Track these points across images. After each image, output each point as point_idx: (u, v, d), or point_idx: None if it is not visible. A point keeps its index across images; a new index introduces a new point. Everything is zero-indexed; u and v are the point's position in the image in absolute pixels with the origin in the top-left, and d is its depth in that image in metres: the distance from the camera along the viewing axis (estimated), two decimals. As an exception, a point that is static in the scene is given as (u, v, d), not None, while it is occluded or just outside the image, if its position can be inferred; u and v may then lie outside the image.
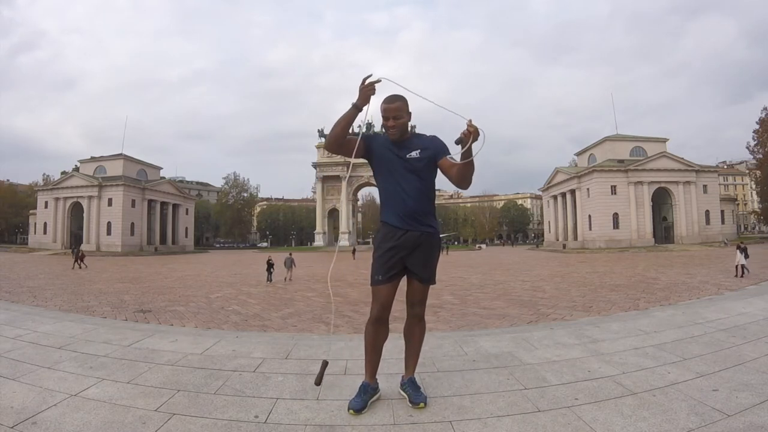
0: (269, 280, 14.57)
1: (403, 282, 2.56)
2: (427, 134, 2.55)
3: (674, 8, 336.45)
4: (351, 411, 2.35)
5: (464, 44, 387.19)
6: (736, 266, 13.35)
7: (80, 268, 22.48)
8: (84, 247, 49.49)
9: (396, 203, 2.44)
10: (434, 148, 2.45)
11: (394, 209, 2.44)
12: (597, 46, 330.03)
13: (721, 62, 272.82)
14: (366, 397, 2.42)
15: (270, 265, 14.86)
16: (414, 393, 2.46)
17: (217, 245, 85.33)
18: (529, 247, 72.98)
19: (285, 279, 15.29)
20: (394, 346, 3.06)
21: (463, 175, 2.29)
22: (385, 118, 2.42)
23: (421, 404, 2.40)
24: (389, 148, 2.47)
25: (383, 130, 2.52)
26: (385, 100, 2.42)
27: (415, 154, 2.43)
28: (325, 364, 2.44)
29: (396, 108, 2.40)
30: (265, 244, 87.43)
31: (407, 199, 2.42)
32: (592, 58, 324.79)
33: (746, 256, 13.23)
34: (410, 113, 2.48)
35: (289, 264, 16.00)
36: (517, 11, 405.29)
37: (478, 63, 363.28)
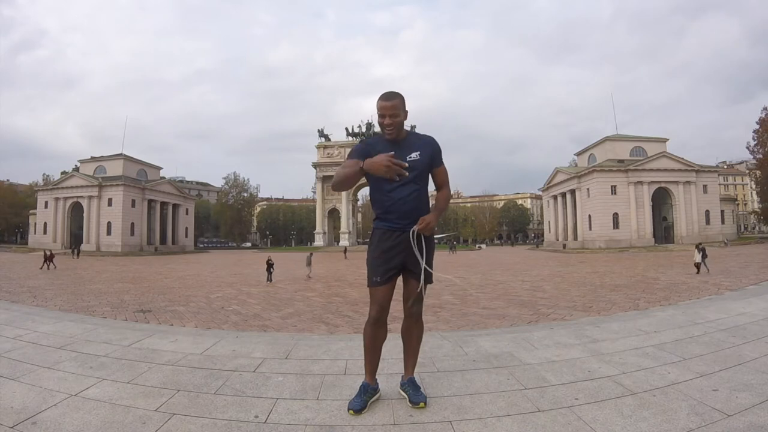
0: (269, 280, 14.62)
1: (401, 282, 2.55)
2: (424, 134, 2.52)
3: (677, 8, 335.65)
4: (351, 411, 2.34)
5: (466, 44, 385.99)
6: (695, 264, 14.76)
7: (48, 268, 21.81)
8: (84, 247, 49.71)
9: (391, 205, 2.41)
10: (431, 152, 2.45)
11: (390, 211, 2.42)
12: (599, 46, 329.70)
13: (722, 62, 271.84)
14: (366, 397, 2.41)
15: (270, 266, 14.92)
16: (414, 393, 2.46)
17: (201, 245, 79.38)
18: (529, 247, 72.92)
19: (307, 276, 16.58)
20: (394, 346, 3.06)
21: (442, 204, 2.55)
22: (381, 116, 2.38)
23: (421, 404, 2.40)
24: (385, 151, 2.37)
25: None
26: (381, 96, 2.38)
27: (415, 155, 2.41)
28: None
29: (392, 106, 2.36)
30: (248, 244, 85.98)
31: (403, 201, 2.39)
32: (595, 58, 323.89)
33: (704, 256, 14.81)
34: (407, 111, 2.45)
35: (309, 262, 17.32)
36: (519, 10, 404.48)
37: (481, 62, 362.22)
